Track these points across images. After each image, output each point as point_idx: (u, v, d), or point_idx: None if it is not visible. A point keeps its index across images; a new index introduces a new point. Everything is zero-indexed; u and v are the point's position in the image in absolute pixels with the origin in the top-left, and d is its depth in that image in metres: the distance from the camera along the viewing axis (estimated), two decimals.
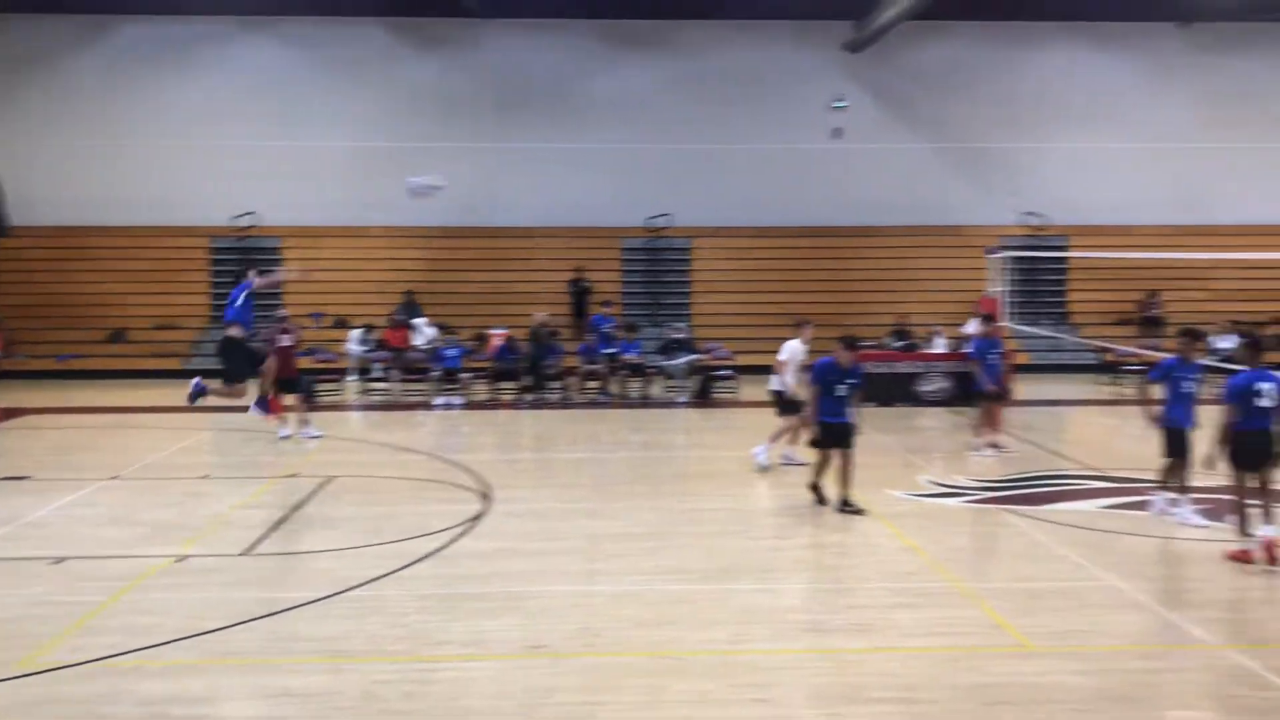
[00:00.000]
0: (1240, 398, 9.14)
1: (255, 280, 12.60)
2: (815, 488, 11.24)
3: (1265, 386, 9.13)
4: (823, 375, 10.94)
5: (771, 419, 13.68)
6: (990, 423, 14.55)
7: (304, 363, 19.95)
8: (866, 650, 7.22)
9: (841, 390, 10.90)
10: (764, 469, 13.02)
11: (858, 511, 10.79)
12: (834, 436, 10.93)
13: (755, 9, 25.82)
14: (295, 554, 9.79)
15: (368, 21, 26.17)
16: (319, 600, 8.20)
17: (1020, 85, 26.71)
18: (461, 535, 10.13)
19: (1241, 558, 9.06)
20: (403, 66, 26.36)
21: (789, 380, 13.21)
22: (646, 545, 9.82)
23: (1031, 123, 26.65)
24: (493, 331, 21.42)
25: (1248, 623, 8.04)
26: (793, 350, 13.20)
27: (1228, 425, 9.19)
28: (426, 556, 9.38)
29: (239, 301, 12.44)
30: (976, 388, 14.77)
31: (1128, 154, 26.59)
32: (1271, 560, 8.94)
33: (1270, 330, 23.31)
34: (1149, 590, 8.51)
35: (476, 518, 10.79)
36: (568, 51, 26.50)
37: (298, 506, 11.34)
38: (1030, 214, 25.68)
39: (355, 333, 21.86)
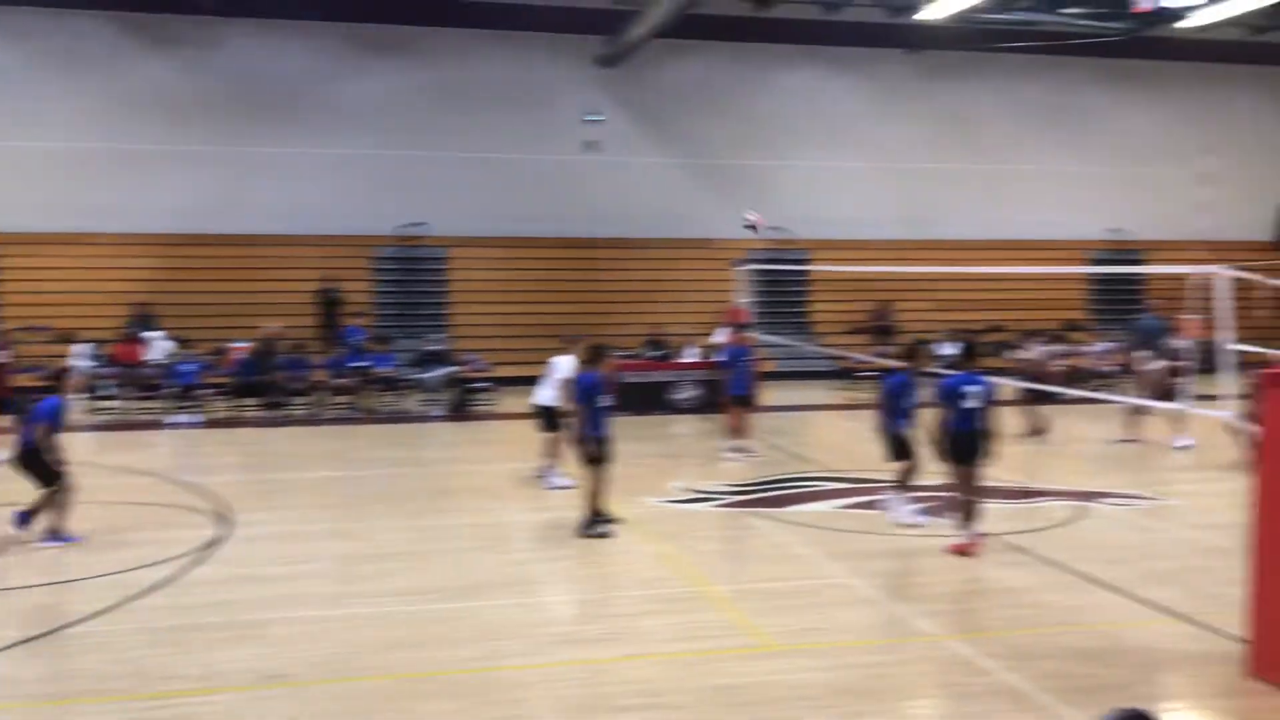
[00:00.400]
0: (950, 399, 9.81)
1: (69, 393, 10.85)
2: (597, 504, 10.81)
3: (972, 389, 9.83)
4: (589, 389, 10.85)
5: (532, 433, 13.55)
6: (738, 428, 15.06)
7: (22, 380, 18.45)
8: (617, 659, 7.29)
9: (604, 403, 10.89)
10: (564, 488, 12.41)
11: (611, 522, 10.86)
12: (602, 450, 10.88)
13: (508, 20, 25.77)
14: (3, 590, 8.97)
15: (92, 15, 24.41)
16: (31, 640, 7.55)
17: (764, 105, 27.83)
18: (197, 562, 9.58)
19: (961, 550, 9.72)
20: (132, 64, 24.77)
21: (561, 396, 12.60)
22: (397, 565, 9.58)
23: (775, 141, 27.82)
24: (233, 345, 20.45)
25: (965, 613, 8.62)
26: (567, 366, 12.58)
27: (941, 425, 9.85)
28: (157, 586, 8.82)
29: (47, 417, 10.37)
30: (726, 394, 15.26)
31: (862, 172, 28.17)
32: (961, 552, 9.68)
33: (988, 338, 25.22)
34: (880, 585, 9.00)
35: (214, 543, 10.24)
36: (314, 54, 25.64)
37: (11, 538, 10.42)
38: (774, 228, 26.78)
39: (81, 347, 20.36)
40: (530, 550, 10.32)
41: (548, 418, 12.93)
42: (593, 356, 11.10)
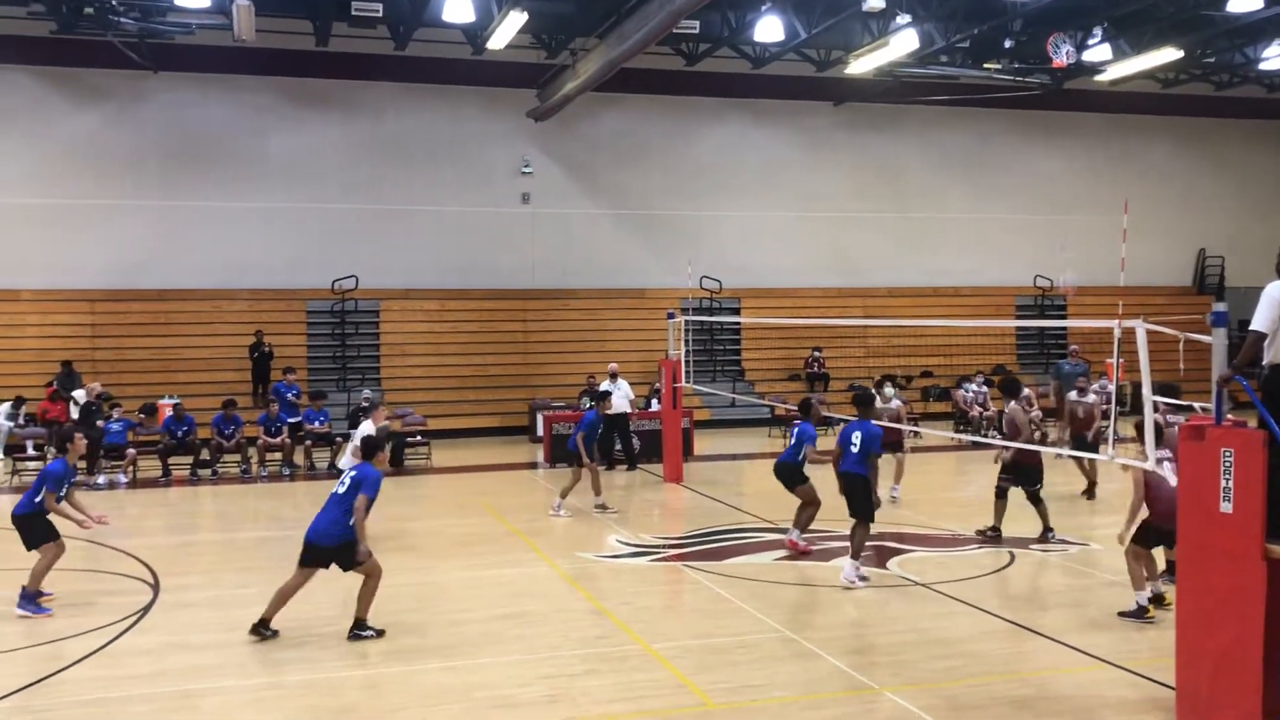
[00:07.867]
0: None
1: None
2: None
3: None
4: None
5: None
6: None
7: None
8: None
9: None
10: None
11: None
12: None
13: (440, 74, 25.93)
14: None
15: (15, 69, 24.09)
16: None
17: (695, 156, 28.20)
18: (126, 630, 9.36)
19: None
20: (58, 118, 24.44)
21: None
22: (333, 628, 9.44)
23: (706, 191, 28.16)
24: (162, 401, 20.11)
25: (902, 664, 8.69)
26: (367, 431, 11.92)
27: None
28: (85, 657, 8.60)
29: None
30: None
31: (791, 222, 28.61)
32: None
33: (919, 382, 25.68)
34: (817, 638, 9.05)
35: (144, 610, 10.02)
36: (244, 107, 25.51)
37: None
38: (706, 278, 27.07)
39: (3, 406, 19.90)
40: (464, 609, 10.22)
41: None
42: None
